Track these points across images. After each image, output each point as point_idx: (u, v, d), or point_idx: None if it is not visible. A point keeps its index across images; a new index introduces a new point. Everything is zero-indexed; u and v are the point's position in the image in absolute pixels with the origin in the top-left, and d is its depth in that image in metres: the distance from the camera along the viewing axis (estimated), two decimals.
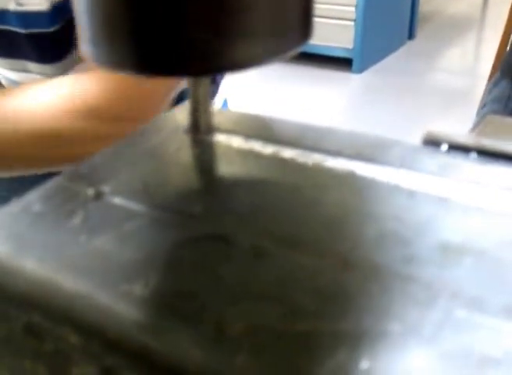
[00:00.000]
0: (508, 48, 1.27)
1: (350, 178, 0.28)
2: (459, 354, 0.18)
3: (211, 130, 0.32)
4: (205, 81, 0.30)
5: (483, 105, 1.29)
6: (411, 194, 0.26)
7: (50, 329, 0.22)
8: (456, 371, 0.18)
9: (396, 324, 0.20)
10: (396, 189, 0.27)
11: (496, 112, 1.22)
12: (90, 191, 0.27)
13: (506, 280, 0.21)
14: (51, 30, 0.79)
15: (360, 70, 3.51)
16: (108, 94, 0.69)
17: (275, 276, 0.22)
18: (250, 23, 0.24)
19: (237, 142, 0.31)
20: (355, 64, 3.50)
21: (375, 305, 0.21)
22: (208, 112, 0.31)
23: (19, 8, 0.78)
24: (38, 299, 0.22)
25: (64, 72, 0.83)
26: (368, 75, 3.51)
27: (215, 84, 0.96)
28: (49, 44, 0.81)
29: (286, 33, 0.26)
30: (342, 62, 3.52)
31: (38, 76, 0.83)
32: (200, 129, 0.31)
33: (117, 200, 0.26)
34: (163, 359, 0.20)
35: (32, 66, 0.83)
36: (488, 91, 1.31)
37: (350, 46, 3.48)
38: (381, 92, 3.25)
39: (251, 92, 3.16)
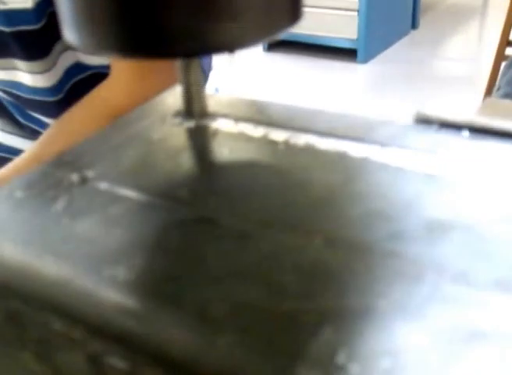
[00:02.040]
0: None
1: (339, 158, 0.27)
2: (447, 329, 0.18)
3: (205, 113, 0.31)
4: (196, 65, 0.30)
5: (498, 88, 1.29)
6: (400, 172, 0.26)
7: (32, 316, 0.21)
8: (444, 346, 0.17)
9: (383, 301, 0.19)
10: (385, 167, 0.26)
11: (509, 94, 1.22)
12: (75, 177, 0.27)
13: (493, 255, 0.21)
14: (37, 26, 0.78)
15: (366, 60, 3.50)
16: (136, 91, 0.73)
17: (260, 257, 0.22)
18: (237, 4, 0.24)
19: (227, 125, 0.31)
20: (360, 54, 3.48)
21: (360, 282, 0.20)
22: (201, 95, 0.31)
23: (3, 7, 0.76)
24: (19, 286, 0.22)
25: (51, 66, 0.82)
26: (373, 65, 3.49)
27: (204, 75, 0.95)
28: (36, 41, 0.80)
29: (275, 14, 0.25)
30: (347, 53, 3.51)
31: (27, 75, 0.83)
32: (194, 112, 0.31)
33: (102, 185, 0.26)
34: (147, 343, 0.19)
35: (20, 63, 0.82)
36: (503, 73, 1.31)
37: (355, 36, 3.46)
38: (387, 81, 3.24)
39: (257, 84, 3.15)
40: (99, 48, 0.25)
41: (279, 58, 3.48)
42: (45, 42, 0.80)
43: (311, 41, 3.48)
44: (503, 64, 1.43)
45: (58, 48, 0.82)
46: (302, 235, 0.22)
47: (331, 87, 3.18)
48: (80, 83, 0.84)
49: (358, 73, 3.42)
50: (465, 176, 0.25)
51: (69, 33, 0.25)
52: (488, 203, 0.24)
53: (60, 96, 0.83)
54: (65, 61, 0.83)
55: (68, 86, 0.83)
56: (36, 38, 0.79)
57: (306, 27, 3.33)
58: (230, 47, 0.25)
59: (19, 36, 0.79)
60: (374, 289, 0.20)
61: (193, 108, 0.31)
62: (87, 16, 0.24)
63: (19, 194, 0.26)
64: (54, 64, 0.82)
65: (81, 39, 0.25)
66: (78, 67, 0.83)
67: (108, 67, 0.82)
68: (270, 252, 0.22)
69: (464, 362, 0.17)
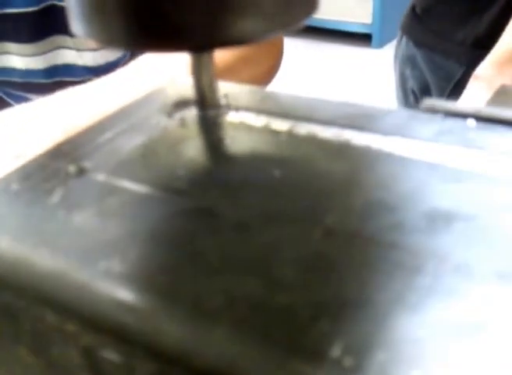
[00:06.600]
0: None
1: (342, 148, 0.27)
2: (446, 321, 0.18)
3: (217, 104, 0.31)
4: (208, 57, 0.29)
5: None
6: (403, 161, 0.25)
7: (26, 309, 0.21)
8: (444, 338, 0.17)
9: (382, 292, 0.19)
10: (388, 157, 0.26)
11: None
12: (72, 168, 0.26)
13: (495, 246, 0.20)
14: (26, 10, 0.79)
15: (380, 45, 3.47)
16: None
17: (258, 249, 0.21)
18: None
19: (228, 115, 0.30)
20: (374, 39, 3.46)
21: (359, 274, 0.20)
22: (212, 85, 0.30)
23: None
24: (13, 278, 0.21)
25: (44, 52, 0.83)
26: (387, 50, 3.47)
27: None
28: (26, 25, 0.80)
29: (291, 5, 0.25)
30: (361, 38, 3.49)
31: (18, 58, 0.83)
32: (206, 103, 0.30)
33: (99, 176, 0.26)
34: (142, 336, 0.19)
35: (11, 46, 0.83)
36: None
37: (369, 21, 3.44)
38: None
39: None
40: (108, 41, 0.24)
41: (290, 43, 3.44)
42: (36, 28, 0.81)
43: (323, 25, 3.45)
44: None
45: (55, 41, 0.82)
46: (302, 226, 0.22)
47: (344, 73, 3.17)
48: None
49: (372, 58, 3.40)
50: (470, 166, 0.25)
51: (77, 24, 0.25)
52: (492, 193, 0.23)
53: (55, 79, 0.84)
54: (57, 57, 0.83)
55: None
56: (25, 22, 0.80)
57: (318, 11, 3.31)
58: (245, 40, 0.24)
59: (6, 18, 0.80)
60: (373, 280, 0.19)
61: (205, 99, 0.30)
62: (95, 7, 0.24)
63: (15, 186, 0.26)
64: (46, 52, 0.83)
65: (89, 31, 0.24)
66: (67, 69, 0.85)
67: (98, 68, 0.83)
68: (269, 244, 0.21)
69: (463, 354, 0.17)
